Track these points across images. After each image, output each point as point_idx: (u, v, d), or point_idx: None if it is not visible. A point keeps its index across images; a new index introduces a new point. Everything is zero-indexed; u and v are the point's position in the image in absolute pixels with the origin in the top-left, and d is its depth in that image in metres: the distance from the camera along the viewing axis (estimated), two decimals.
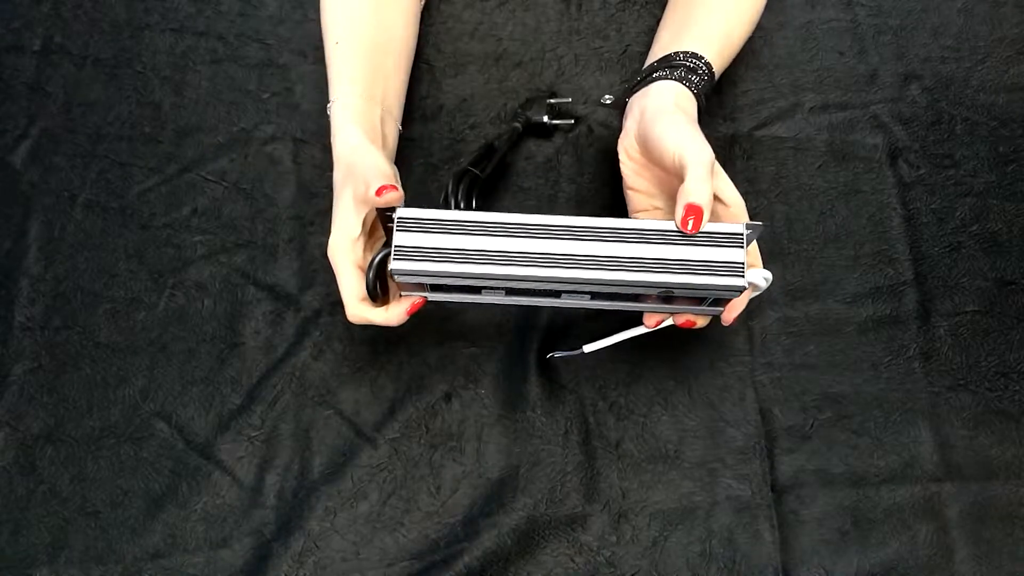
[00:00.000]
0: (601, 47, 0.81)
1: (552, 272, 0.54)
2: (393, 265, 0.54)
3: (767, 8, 0.78)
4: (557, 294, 0.57)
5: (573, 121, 0.77)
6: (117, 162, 0.78)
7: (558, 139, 0.77)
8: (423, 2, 0.79)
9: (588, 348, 0.64)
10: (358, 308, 0.60)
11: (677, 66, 0.66)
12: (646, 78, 0.66)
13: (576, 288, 0.56)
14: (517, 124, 0.76)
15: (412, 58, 0.75)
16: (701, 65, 0.66)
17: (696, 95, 0.65)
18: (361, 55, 0.68)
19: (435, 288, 0.58)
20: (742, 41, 0.72)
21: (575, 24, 0.82)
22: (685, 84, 0.64)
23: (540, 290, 0.56)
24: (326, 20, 0.71)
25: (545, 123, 0.76)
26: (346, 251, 0.59)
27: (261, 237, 0.75)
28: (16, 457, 0.68)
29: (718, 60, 0.68)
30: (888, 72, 0.79)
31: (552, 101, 0.76)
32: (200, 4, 0.84)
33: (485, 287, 0.57)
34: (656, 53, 0.69)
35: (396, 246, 0.54)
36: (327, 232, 0.62)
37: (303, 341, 0.71)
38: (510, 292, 0.57)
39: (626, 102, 0.68)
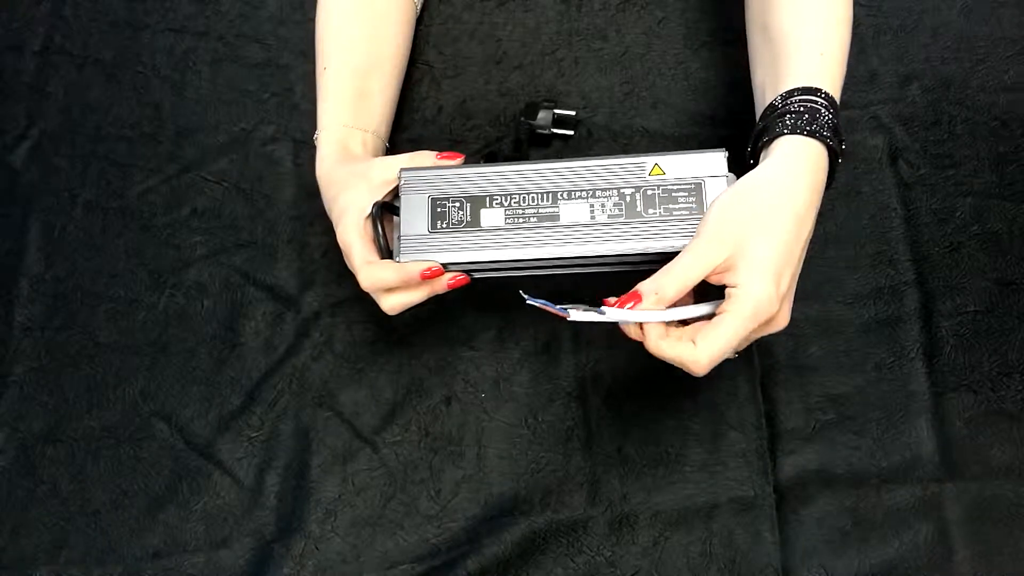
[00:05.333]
0: (601, 48, 0.81)
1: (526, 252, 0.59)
2: (403, 175, 0.61)
3: None
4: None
5: (572, 132, 0.77)
6: (117, 162, 0.78)
7: (557, 144, 0.77)
8: (418, 11, 0.79)
9: (574, 315, 0.54)
10: (368, 270, 0.60)
11: (787, 112, 0.56)
12: (760, 139, 0.59)
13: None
14: (521, 138, 0.75)
15: (404, 69, 0.76)
16: (819, 101, 0.56)
17: (827, 143, 0.56)
18: (347, 80, 0.69)
19: (437, 216, 0.61)
20: (846, 55, 0.62)
21: (575, 25, 0.82)
22: (810, 135, 0.55)
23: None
24: (319, 45, 0.71)
25: (547, 132, 0.76)
26: (359, 228, 0.60)
27: (261, 237, 0.75)
28: (16, 457, 0.68)
29: (836, 83, 0.59)
30: (888, 72, 0.79)
31: (557, 112, 0.76)
32: (200, 4, 0.84)
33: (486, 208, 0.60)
34: (765, 96, 0.61)
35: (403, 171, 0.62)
36: (327, 232, 0.62)
37: (303, 342, 0.71)
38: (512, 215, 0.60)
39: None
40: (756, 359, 0.69)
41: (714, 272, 0.53)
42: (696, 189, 0.58)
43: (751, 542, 0.65)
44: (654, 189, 0.59)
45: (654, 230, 0.58)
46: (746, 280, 0.52)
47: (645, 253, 0.58)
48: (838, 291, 0.72)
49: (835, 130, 0.57)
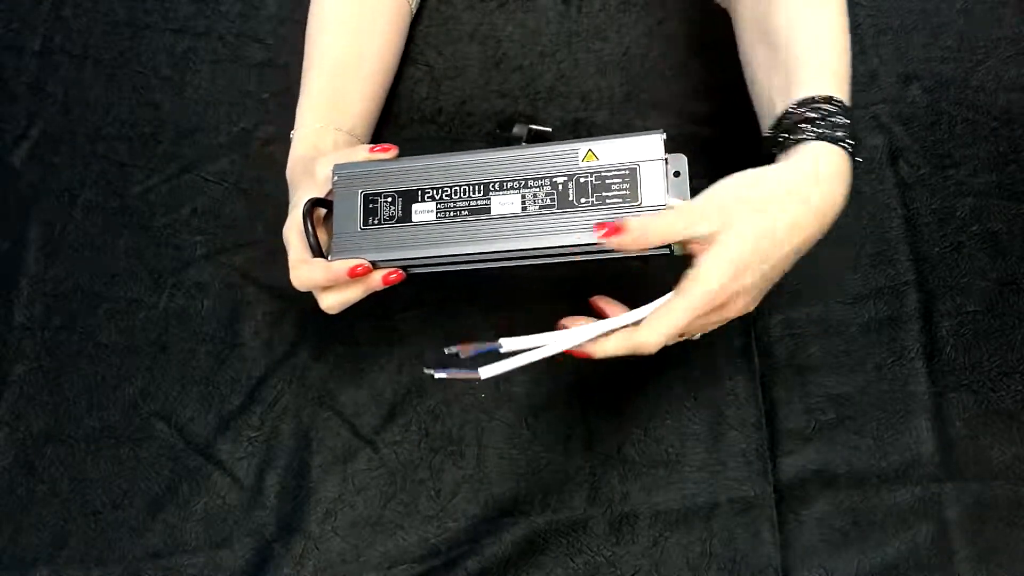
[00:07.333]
0: (601, 49, 0.81)
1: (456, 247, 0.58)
2: (336, 172, 0.61)
3: None
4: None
5: None
6: (117, 162, 0.78)
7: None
8: (412, 14, 0.79)
9: (485, 374, 0.54)
10: (299, 270, 0.60)
11: (812, 120, 0.55)
12: (787, 139, 0.56)
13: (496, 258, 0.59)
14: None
15: (390, 70, 0.76)
16: (837, 111, 0.55)
17: (850, 152, 0.55)
18: (324, 81, 0.70)
19: (369, 213, 0.60)
20: (849, 54, 0.61)
21: (575, 26, 0.82)
22: (837, 144, 0.55)
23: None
24: (305, 44, 0.72)
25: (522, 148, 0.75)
26: (298, 226, 0.61)
27: (261, 237, 0.75)
28: (16, 457, 0.68)
29: (844, 87, 0.58)
30: (888, 72, 0.79)
31: (533, 127, 0.75)
32: (200, 4, 0.84)
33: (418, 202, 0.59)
34: (773, 102, 0.59)
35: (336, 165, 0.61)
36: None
37: (303, 342, 0.71)
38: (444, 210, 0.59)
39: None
40: (756, 359, 0.70)
41: (694, 241, 0.53)
42: (631, 175, 0.56)
43: (751, 542, 0.65)
44: (587, 176, 0.57)
45: (586, 221, 0.56)
46: (706, 267, 0.52)
47: (576, 245, 0.57)
48: (838, 291, 0.72)
49: (855, 138, 0.56)
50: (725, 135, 0.77)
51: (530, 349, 0.54)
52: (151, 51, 0.82)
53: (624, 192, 0.56)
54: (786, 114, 0.57)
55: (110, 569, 0.65)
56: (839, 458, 0.67)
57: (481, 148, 0.59)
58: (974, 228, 0.73)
